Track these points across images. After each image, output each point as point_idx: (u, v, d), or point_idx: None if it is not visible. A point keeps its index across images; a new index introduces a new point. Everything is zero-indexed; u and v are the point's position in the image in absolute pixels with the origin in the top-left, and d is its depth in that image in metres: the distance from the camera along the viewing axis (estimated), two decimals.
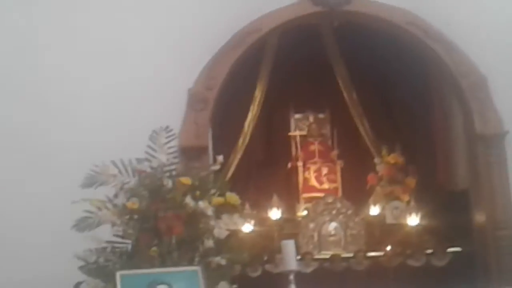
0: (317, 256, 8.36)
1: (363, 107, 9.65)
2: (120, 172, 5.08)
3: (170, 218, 4.80)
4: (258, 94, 9.50)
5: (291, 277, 5.18)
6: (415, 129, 9.38)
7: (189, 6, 6.81)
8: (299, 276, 5.38)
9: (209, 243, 4.93)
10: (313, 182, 9.34)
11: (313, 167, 9.39)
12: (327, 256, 8.38)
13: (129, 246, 4.98)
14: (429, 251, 8.36)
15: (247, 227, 8.18)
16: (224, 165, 7.97)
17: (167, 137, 5.25)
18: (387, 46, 8.22)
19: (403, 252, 8.33)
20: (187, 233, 4.87)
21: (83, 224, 4.99)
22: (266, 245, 8.26)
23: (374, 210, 8.92)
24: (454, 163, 8.73)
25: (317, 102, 9.68)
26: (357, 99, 9.66)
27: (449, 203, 8.31)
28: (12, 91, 6.47)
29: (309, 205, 8.92)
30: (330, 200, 8.75)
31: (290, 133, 9.75)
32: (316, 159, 9.45)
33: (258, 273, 8.07)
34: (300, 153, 9.49)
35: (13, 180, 6.29)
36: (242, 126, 9.45)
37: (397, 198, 8.96)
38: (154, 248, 4.79)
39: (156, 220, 4.83)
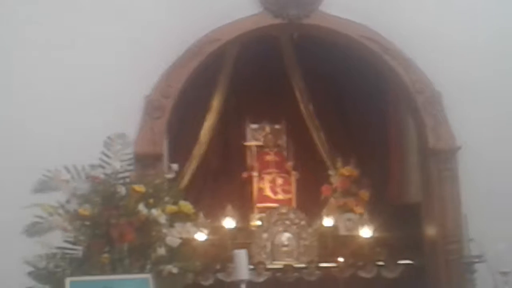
0: (269, 266, 8.38)
1: (319, 119, 9.73)
2: (72, 177, 5.05)
3: (122, 225, 4.78)
4: (215, 104, 9.51)
5: (243, 286, 5.21)
6: (370, 142, 9.46)
7: (149, 14, 6.80)
8: (251, 286, 5.41)
9: (161, 251, 4.92)
10: (268, 192, 9.37)
11: (268, 178, 9.43)
12: (280, 266, 8.41)
13: (80, 253, 4.94)
14: (381, 263, 8.44)
15: (201, 236, 8.18)
16: (179, 174, 7.96)
17: (122, 144, 5.23)
18: (345, 60, 8.30)
19: (355, 264, 8.40)
20: (139, 240, 4.86)
21: (34, 229, 4.94)
22: (219, 254, 8.26)
23: (328, 222, 8.97)
24: (407, 177, 8.84)
25: (273, 113, 9.72)
26: (313, 111, 9.73)
27: (401, 216, 8.40)
28: None
29: (263, 215, 8.94)
30: (284, 210, 8.78)
31: (246, 143, 9.77)
32: (271, 169, 9.49)
33: (210, 281, 8.07)
34: (255, 163, 9.51)
35: None
36: (198, 135, 9.45)
37: (351, 210, 9.04)
38: (105, 255, 4.77)
39: (108, 227, 4.81)
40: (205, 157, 9.52)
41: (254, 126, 9.85)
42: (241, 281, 5.20)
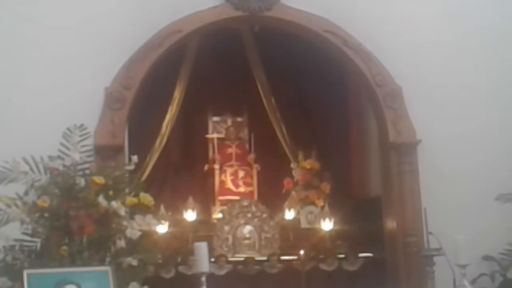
0: (231, 259, 8.40)
1: (281, 112, 9.75)
2: (31, 169, 4.99)
3: (81, 217, 4.73)
4: (177, 96, 9.48)
5: (203, 279, 5.18)
6: (331, 136, 9.52)
7: (109, 5, 6.72)
8: (213, 278, 5.39)
9: (121, 243, 4.88)
10: (229, 185, 9.37)
11: (229, 170, 9.43)
12: (241, 259, 8.43)
13: (39, 245, 4.89)
14: (341, 256, 8.50)
15: (162, 228, 8.16)
16: (141, 166, 7.94)
17: (81, 135, 5.19)
18: (306, 53, 8.32)
19: (316, 256, 8.46)
20: (99, 232, 4.82)
21: None
22: (181, 246, 8.25)
23: (289, 215, 9.02)
24: (368, 171, 8.91)
25: (235, 106, 9.72)
26: (275, 104, 9.76)
27: (362, 210, 8.47)
28: None
29: (224, 207, 8.95)
30: (245, 203, 8.79)
31: (208, 136, 9.76)
32: (233, 162, 9.50)
33: (172, 274, 8.06)
34: (217, 155, 9.51)
35: None
36: (159, 127, 9.41)
37: (312, 203, 9.09)
38: (64, 247, 4.72)
39: (67, 219, 4.76)
40: (167, 149, 9.49)
41: (216, 118, 9.85)
42: (202, 273, 5.18)
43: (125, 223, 4.95)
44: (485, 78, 7.16)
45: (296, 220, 9.02)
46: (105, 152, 6.30)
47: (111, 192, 4.96)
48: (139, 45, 6.67)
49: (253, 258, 8.43)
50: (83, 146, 5.18)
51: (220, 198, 9.31)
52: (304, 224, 9.02)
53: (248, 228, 8.67)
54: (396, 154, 7.00)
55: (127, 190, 5.13)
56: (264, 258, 8.47)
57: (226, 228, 8.62)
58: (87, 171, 5.12)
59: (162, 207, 8.18)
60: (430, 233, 6.36)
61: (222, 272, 8.22)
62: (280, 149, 9.78)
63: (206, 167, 9.53)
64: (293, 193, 9.21)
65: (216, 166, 9.43)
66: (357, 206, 8.72)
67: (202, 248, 5.26)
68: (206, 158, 9.64)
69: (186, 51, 9.15)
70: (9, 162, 4.97)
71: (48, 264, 4.69)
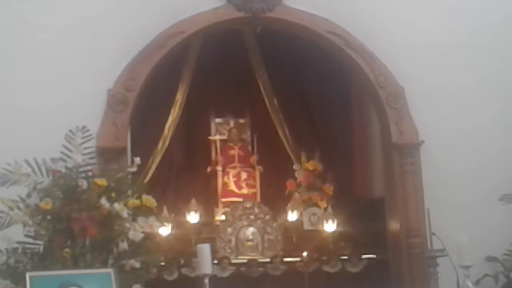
0: (234, 261, 8.39)
1: (283, 114, 9.74)
2: (33, 171, 4.98)
3: (84, 219, 4.72)
4: (179, 97, 9.47)
5: (206, 281, 5.18)
6: (334, 137, 9.50)
7: (111, 6, 6.72)
8: (216, 280, 5.38)
9: (124, 245, 4.87)
10: (232, 187, 9.37)
11: (232, 172, 9.42)
12: (244, 261, 8.42)
13: (41, 247, 4.88)
14: (345, 257, 8.49)
15: (165, 231, 8.15)
16: (143, 168, 7.93)
17: (83, 138, 5.18)
18: (309, 54, 8.30)
19: (319, 258, 8.44)
20: (101, 235, 4.80)
21: None
22: (184, 248, 8.24)
23: (292, 216, 9.00)
24: (370, 172, 8.89)
25: (238, 107, 9.72)
26: (278, 105, 9.74)
27: (365, 211, 8.45)
28: None
29: (227, 209, 8.94)
30: (248, 205, 8.79)
31: (210, 137, 9.75)
32: (236, 164, 9.49)
33: (175, 276, 8.06)
34: (219, 157, 9.50)
35: None
36: (162, 128, 9.40)
37: (315, 204, 9.08)
38: (66, 250, 4.71)
39: (69, 221, 4.75)
40: (169, 151, 9.48)
41: (219, 120, 9.85)
42: (205, 275, 5.18)
43: (127, 225, 4.94)
44: (489, 77, 7.15)
45: (299, 221, 9.01)
46: (108, 154, 6.30)
47: (113, 194, 4.95)
48: (141, 46, 6.68)
49: (256, 260, 8.42)
50: (85, 148, 5.16)
51: (223, 200, 9.30)
52: (307, 226, 9.01)
53: (251, 230, 8.67)
54: (398, 155, 6.99)
55: (129, 192, 5.12)
56: (267, 260, 8.46)
57: (229, 230, 8.62)
58: (90, 173, 5.10)
59: (165, 209, 8.18)
60: (433, 234, 6.36)
61: (225, 274, 8.21)
62: (282, 151, 9.77)
63: (208, 169, 9.53)
64: (296, 194, 9.20)
65: (219, 168, 9.43)
66: (360, 207, 8.70)
67: (205, 250, 5.26)
68: (208, 160, 9.63)
69: (188, 53, 9.14)
70: (11, 165, 4.96)
71: (51, 267, 4.68)
